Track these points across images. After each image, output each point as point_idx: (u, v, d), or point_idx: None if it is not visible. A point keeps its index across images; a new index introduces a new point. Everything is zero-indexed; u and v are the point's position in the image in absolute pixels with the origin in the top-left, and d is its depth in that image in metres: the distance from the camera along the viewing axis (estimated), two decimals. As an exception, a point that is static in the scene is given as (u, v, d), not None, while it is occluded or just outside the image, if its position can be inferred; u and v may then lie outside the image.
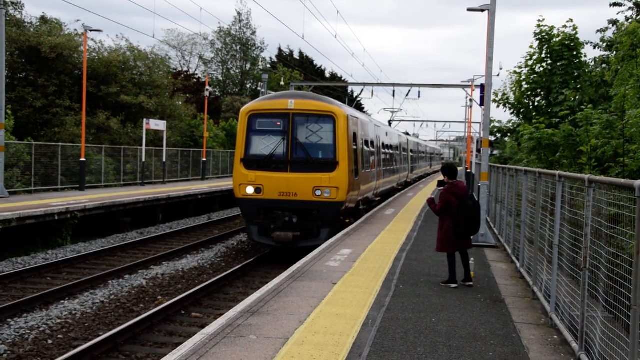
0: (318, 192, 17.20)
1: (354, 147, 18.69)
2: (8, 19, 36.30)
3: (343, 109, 18.14)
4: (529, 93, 20.92)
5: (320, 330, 7.84)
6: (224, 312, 10.42)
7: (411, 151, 44.67)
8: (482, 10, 17.10)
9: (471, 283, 10.96)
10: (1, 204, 20.51)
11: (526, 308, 9.57)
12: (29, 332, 11.11)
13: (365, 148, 21.57)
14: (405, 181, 40.35)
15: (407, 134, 52.84)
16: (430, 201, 11.22)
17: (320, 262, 12.59)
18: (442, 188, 11.15)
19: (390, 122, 44.91)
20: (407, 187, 40.51)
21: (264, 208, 17.40)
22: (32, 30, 39.10)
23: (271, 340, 7.38)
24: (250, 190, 17.45)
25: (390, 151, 30.89)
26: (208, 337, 7.45)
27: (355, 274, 11.45)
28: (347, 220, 19.54)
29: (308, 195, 17.20)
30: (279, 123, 17.72)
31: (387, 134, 30.32)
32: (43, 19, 41.04)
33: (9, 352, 10.10)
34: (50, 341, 10.70)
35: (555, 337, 8.05)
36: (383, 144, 27.68)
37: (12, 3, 40.06)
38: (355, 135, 19.05)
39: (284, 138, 17.55)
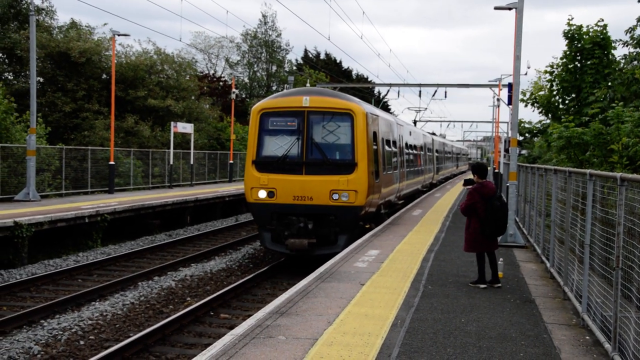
0: (335, 196, 15.94)
1: (374, 147, 17.55)
2: (38, 25, 36.93)
3: (361, 106, 16.93)
4: (560, 91, 20.68)
5: (349, 331, 7.83)
6: (253, 313, 10.48)
7: (436, 151, 43.13)
8: (510, 9, 16.95)
9: (499, 284, 10.86)
10: (33, 207, 20.86)
11: (557, 308, 9.45)
12: (61, 332, 11.28)
13: (387, 148, 20.32)
14: (431, 182, 38.89)
15: (434, 133, 52.40)
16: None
17: (348, 263, 12.59)
18: (469, 187, 11.06)
19: (415, 122, 43.57)
20: (432, 189, 39.16)
21: (277, 213, 16.19)
22: (61, 35, 39.74)
23: (300, 341, 7.40)
24: (262, 194, 16.25)
25: (414, 151, 29.51)
26: (237, 337, 7.49)
27: (383, 275, 11.42)
28: (368, 226, 18.21)
29: (324, 199, 15.98)
30: (293, 122, 16.58)
31: (410, 133, 28.94)
32: (73, 24, 41.66)
33: (42, 352, 10.27)
34: (82, 342, 10.84)
35: (587, 337, 7.94)
36: (406, 143, 26.41)
37: (44, 9, 40.73)
38: (375, 134, 17.94)
39: (298, 138, 16.39)
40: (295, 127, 16.51)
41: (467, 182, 11.17)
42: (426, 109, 50.59)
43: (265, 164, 16.52)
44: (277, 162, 16.43)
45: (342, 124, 16.44)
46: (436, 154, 42.53)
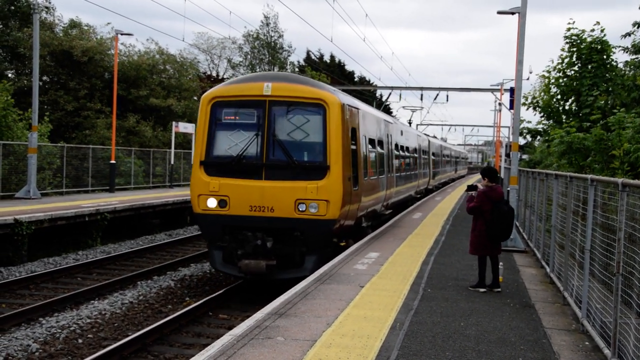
0: (302, 207, 13.15)
1: (353, 146, 14.54)
2: (40, 22, 36.96)
3: (337, 96, 13.93)
4: (559, 97, 20.71)
5: (347, 333, 7.82)
6: (252, 314, 10.47)
7: (433, 154, 40.56)
8: (513, 13, 16.96)
9: (499, 289, 10.85)
10: (34, 205, 20.86)
11: (556, 313, 9.44)
12: (59, 331, 11.27)
13: (371, 148, 17.47)
14: (426, 188, 36.09)
15: (435, 137, 52.18)
16: (470, 198, 10.98)
17: (348, 265, 12.58)
18: (471, 192, 11.02)
19: (410, 122, 41.34)
20: (427, 195, 36.48)
21: (230, 227, 13.43)
22: (63, 34, 39.78)
23: (299, 342, 7.39)
24: (212, 203, 13.43)
25: (407, 153, 26.64)
26: (236, 338, 7.48)
27: (382, 277, 11.41)
28: (343, 243, 15.02)
29: (288, 210, 13.17)
30: (251, 114, 13.75)
31: (402, 133, 25.74)
32: (74, 23, 41.70)
33: (40, 350, 10.26)
34: (80, 340, 10.84)
35: (587, 343, 7.93)
36: (397, 144, 23.39)
37: (45, 8, 40.79)
38: (354, 131, 14.87)
39: (257, 134, 13.51)
40: (254, 120, 13.70)
41: (470, 188, 11.12)
42: (422, 108, 47.92)
43: (217, 166, 13.72)
44: (230, 163, 13.58)
45: (312, 117, 13.59)
46: (433, 157, 40.22)
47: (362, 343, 7.44)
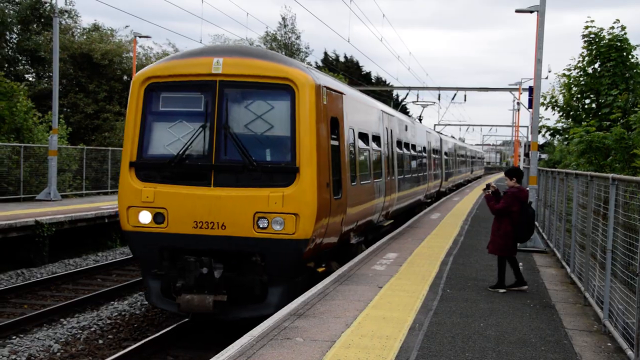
0: (263, 223, 10.11)
1: (334, 142, 11.60)
2: (62, 27, 37.37)
3: (310, 75, 10.74)
4: (578, 95, 20.54)
5: (366, 334, 7.80)
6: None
7: (446, 154, 37.13)
8: (531, 12, 16.85)
9: (526, 286, 10.78)
10: (54, 207, 21.08)
11: (577, 314, 9.35)
12: (80, 331, 11.38)
13: (362, 146, 14.29)
14: (438, 191, 32.84)
15: (453, 137, 51.68)
16: (489, 198, 10.72)
17: (366, 265, 12.56)
18: (489, 192, 10.86)
19: (420, 119, 38.85)
20: (439, 199, 32.66)
21: (170, 249, 10.38)
22: (84, 37, 40.19)
23: (317, 343, 7.38)
24: (145, 217, 10.42)
25: (414, 152, 23.26)
26: (255, 338, 7.50)
27: (401, 278, 11.37)
28: (322, 269, 11.79)
29: (245, 227, 10.14)
30: (196, 100, 10.75)
31: (407, 128, 22.16)
32: (96, 26, 42.12)
33: (62, 350, 10.36)
34: (100, 341, 10.93)
35: (609, 344, 7.85)
36: (400, 141, 20.08)
37: (67, 12, 41.24)
38: (337, 122, 11.83)
39: (204, 126, 10.44)
40: (200, 108, 10.63)
41: (488, 188, 10.98)
42: (434, 103, 44.11)
43: (151, 169, 10.66)
44: (169, 165, 10.49)
45: (276, 102, 10.57)
46: (445, 157, 36.57)
47: (381, 344, 7.42)
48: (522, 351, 7.38)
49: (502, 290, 10.63)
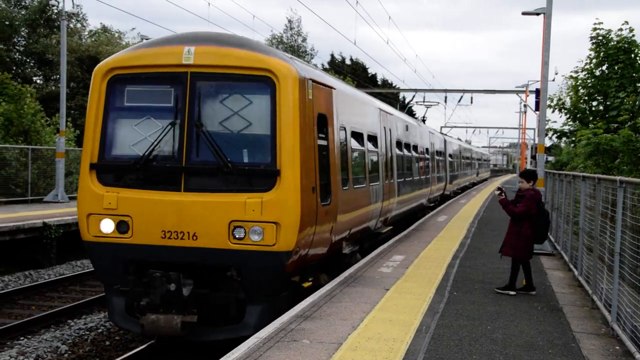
0: (239, 232, 9.06)
1: (322, 141, 10.48)
2: (70, 30, 37.57)
3: (293, 66, 9.58)
4: (586, 98, 20.50)
5: (373, 336, 7.80)
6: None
7: (450, 156, 36.01)
8: (538, 14, 16.83)
9: (535, 291, 10.74)
10: (62, 209, 21.16)
11: (585, 317, 9.32)
12: (87, 332, 11.42)
13: (356, 146, 13.20)
14: (442, 195, 31.59)
15: (459, 139, 51.47)
16: (506, 202, 10.53)
17: (373, 268, 12.55)
18: (503, 195, 10.74)
19: (424, 120, 36.70)
20: (443, 203, 31.40)
21: (135, 262, 9.30)
22: (91, 40, 40.40)
23: (324, 345, 7.39)
24: (107, 226, 9.35)
25: (415, 154, 22.06)
26: (261, 340, 7.50)
27: (408, 280, 11.36)
28: (308, 283, 10.46)
29: (219, 238, 9.06)
30: (166, 93, 9.63)
31: (407, 128, 20.86)
32: (104, 29, 42.32)
33: (69, 352, 10.40)
34: (107, 342, 10.97)
35: (617, 347, 7.82)
36: (400, 142, 18.92)
37: (74, 15, 41.46)
38: (325, 119, 10.72)
39: (174, 123, 9.35)
40: (169, 102, 9.56)
41: (500, 189, 10.89)
42: (438, 103, 41.05)
43: (114, 171, 9.60)
44: (134, 167, 9.42)
45: (254, 96, 9.51)
46: (450, 159, 35.43)
47: (388, 346, 7.41)
48: (530, 354, 7.36)
49: (512, 293, 10.58)
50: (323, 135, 10.57)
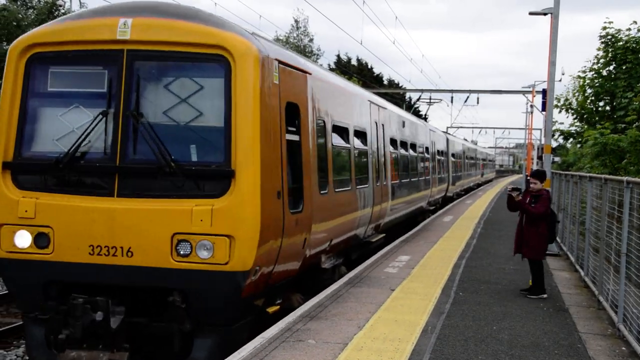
0: (184, 248, 7.51)
1: (292, 136, 8.84)
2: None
3: (254, 43, 7.91)
4: (593, 98, 20.46)
5: (379, 336, 7.80)
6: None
7: (453, 155, 34.32)
8: (545, 14, 16.79)
9: (545, 294, 10.68)
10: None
11: (591, 318, 9.29)
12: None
13: (339, 143, 11.55)
14: (444, 197, 30.03)
15: (465, 139, 51.19)
16: (523, 203, 10.41)
17: (378, 268, 12.54)
18: (517, 193, 10.68)
19: (425, 118, 33.45)
20: (446, 206, 30.02)
21: (57, 284, 7.78)
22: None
23: (330, 345, 7.39)
24: (23, 240, 7.75)
25: (413, 153, 20.30)
26: (267, 340, 7.51)
27: (413, 281, 11.35)
28: (275, 307, 8.79)
29: (160, 254, 7.52)
30: (97, 76, 8.00)
31: (405, 124, 19.13)
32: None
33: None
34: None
35: (624, 348, 7.79)
36: (395, 140, 17.21)
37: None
38: (296, 109, 9.02)
39: (107, 113, 7.74)
40: (102, 87, 7.91)
41: (515, 189, 10.82)
42: (441, 100, 39.24)
43: (33, 172, 7.94)
44: (57, 167, 7.79)
45: (205, 80, 7.91)
46: (453, 159, 33.74)
47: (394, 346, 7.41)
48: (536, 355, 7.35)
49: (545, 295, 10.46)
50: (294, 129, 8.91)
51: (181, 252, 7.50)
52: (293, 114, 8.93)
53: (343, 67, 70.70)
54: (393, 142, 16.95)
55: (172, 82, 7.93)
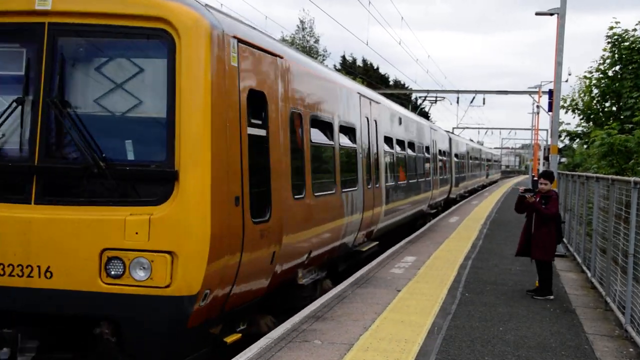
0: (116, 268, 6.21)
1: (257, 130, 7.57)
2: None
3: (203, 15, 6.58)
4: (599, 98, 20.41)
5: (385, 337, 7.78)
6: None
7: (456, 156, 33.07)
8: (552, 14, 16.75)
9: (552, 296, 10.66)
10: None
11: (598, 319, 9.25)
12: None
13: (319, 138, 10.10)
14: (446, 199, 28.81)
15: (472, 140, 51.00)
16: (536, 204, 10.35)
17: (384, 269, 12.53)
18: (531, 194, 10.62)
19: (427, 116, 32.28)
20: (448, 208, 28.85)
21: None
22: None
23: (336, 346, 7.38)
24: None
25: (412, 152, 19.03)
26: (273, 341, 7.50)
27: (419, 281, 11.33)
28: (236, 336, 7.46)
29: (86, 275, 6.22)
30: (13, 56, 6.78)
31: (401, 121, 17.62)
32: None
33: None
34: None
35: (631, 349, 7.76)
36: (390, 138, 15.88)
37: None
38: (262, 98, 7.70)
39: (23, 101, 6.47)
40: (18, 70, 6.64)
41: (527, 190, 10.75)
42: (444, 98, 37.62)
43: None
44: None
45: (143, 61, 6.63)
46: (456, 160, 32.50)
47: (400, 347, 7.40)
48: (542, 356, 7.32)
49: (551, 297, 10.42)
50: (259, 122, 7.62)
51: (112, 273, 6.17)
52: (258, 103, 7.60)
53: (348, 68, 70.71)
54: (388, 140, 15.63)
55: (104, 63, 6.62)
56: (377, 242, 14.28)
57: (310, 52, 69.81)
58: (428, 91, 41.41)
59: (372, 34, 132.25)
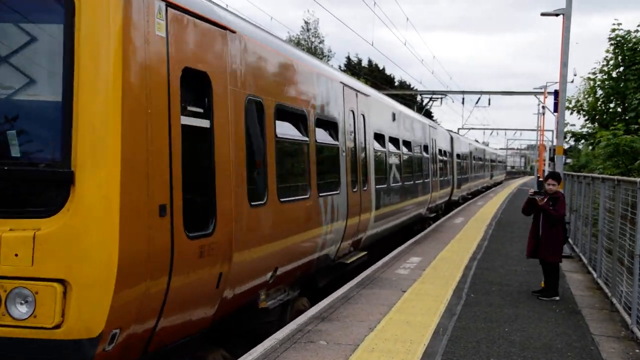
0: None
1: (197, 120, 6.09)
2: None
3: None
4: (603, 99, 20.39)
5: (390, 338, 7.78)
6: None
7: (459, 156, 31.63)
8: (557, 15, 16.73)
9: (558, 297, 10.63)
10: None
11: (604, 320, 9.23)
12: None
13: (287, 132, 8.54)
14: (447, 201, 27.36)
15: (477, 141, 50.80)
16: (545, 205, 10.28)
17: (390, 269, 12.53)
18: (541, 196, 10.59)
19: (430, 116, 31.22)
20: (450, 212, 27.34)
21: None
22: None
23: (341, 347, 7.38)
24: None
25: (408, 152, 17.61)
26: (278, 342, 7.51)
27: (425, 282, 11.33)
28: None
29: None
30: None
31: (395, 117, 16.04)
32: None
33: None
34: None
35: (637, 350, 7.73)
36: (383, 136, 14.42)
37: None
38: (205, 80, 6.18)
39: None
40: None
41: (537, 193, 10.74)
42: (445, 95, 36.35)
43: None
44: None
45: (33, 27, 5.05)
46: (458, 160, 31.12)
47: (405, 348, 7.39)
48: (548, 357, 7.31)
49: (557, 298, 10.41)
50: (199, 110, 6.13)
51: None
52: (198, 86, 6.11)
53: (354, 69, 70.68)
54: (379, 137, 14.04)
55: None
56: (366, 252, 12.77)
57: (315, 52, 69.83)
58: (433, 92, 41.33)
59: (377, 34, 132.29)
